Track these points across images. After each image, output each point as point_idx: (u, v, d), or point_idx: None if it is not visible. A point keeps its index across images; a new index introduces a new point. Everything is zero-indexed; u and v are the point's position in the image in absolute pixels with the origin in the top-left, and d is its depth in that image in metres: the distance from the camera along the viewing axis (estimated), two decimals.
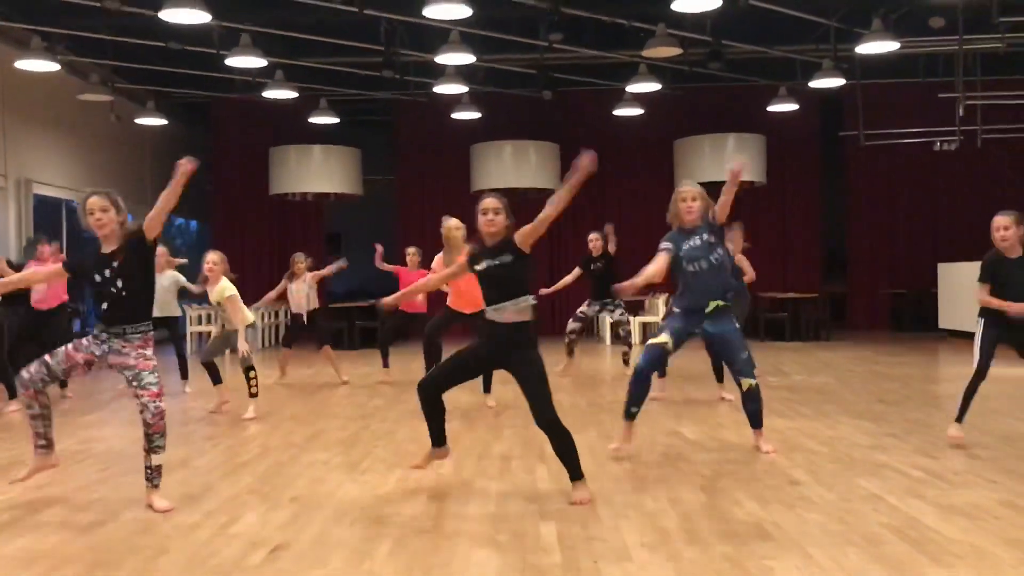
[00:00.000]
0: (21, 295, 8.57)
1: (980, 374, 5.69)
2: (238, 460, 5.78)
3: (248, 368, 7.53)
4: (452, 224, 7.67)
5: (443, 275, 5.64)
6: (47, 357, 4.71)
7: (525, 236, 4.60)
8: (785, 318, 14.57)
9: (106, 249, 4.66)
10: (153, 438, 4.56)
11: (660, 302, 14.67)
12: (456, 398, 6.95)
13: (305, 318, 9.66)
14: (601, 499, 4.58)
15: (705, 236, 5.49)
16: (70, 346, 4.72)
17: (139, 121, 14.66)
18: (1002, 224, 5.55)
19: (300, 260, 9.73)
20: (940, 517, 4.14)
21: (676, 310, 5.72)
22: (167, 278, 9.11)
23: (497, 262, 4.59)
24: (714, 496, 4.62)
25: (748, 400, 5.67)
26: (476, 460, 5.61)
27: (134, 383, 4.59)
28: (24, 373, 4.70)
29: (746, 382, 5.57)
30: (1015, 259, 5.54)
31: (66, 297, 9.01)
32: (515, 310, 4.56)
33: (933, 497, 4.51)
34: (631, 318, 12.92)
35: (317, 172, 15.77)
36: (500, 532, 4.04)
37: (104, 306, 4.62)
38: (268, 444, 6.34)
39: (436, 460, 5.09)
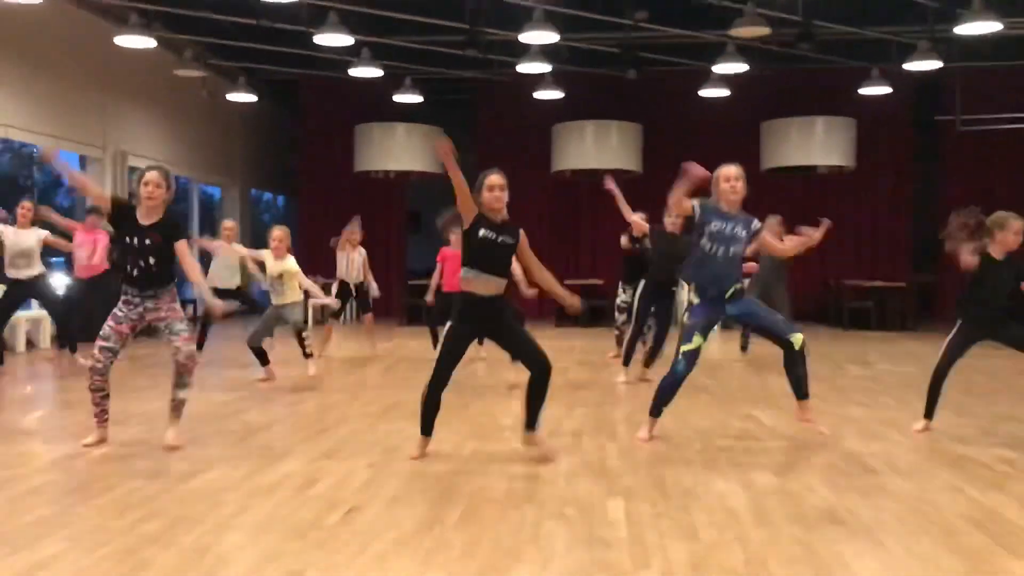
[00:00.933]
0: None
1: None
2: (318, 427, 5.94)
3: (300, 331, 8.03)
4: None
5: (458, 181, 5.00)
6: (103, 343, 5.11)
7: (523, 257, 4.93)
8: (871, 307, 14.21)
9: (144, 221, 5.10)
10: (183, 377, 5.21)
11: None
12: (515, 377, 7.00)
13: (353, 288, 10.05)
14: (671, 479, 4.58)
15: (738, 228, 5.38)
16: (111, 323, 5.14)
17: (230, 97, 15.05)
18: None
19: (355, 230, 10.19)
20: (1021, 511, 4.03)
21: (695, 301, 5.45)
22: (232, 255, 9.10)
23: (500, 239, 4.81)
24: (786, 481, 4.57)
25: (796, 363, 5.39)
26: (547, 436, 5.63)
27: (167, 331, 5.16)
28: (96, 364, 5.11)
29: (797, 337, 5.35)
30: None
31: (107, 265, 9.33)
32: (498, 284, 4.83)
33: (1016, 491, 4.38)
34: None
35: (400, 150, 15.95)
36: (568, 506, 4.08)
37: (135, 274, 5.09)
38: (347, 413, 6.50)
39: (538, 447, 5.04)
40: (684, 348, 5.38)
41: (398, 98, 14.95)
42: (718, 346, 11.79)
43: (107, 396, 5.25)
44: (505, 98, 16.56)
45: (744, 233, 5.43)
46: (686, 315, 5.51)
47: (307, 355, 8.13)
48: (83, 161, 13.25)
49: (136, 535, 3.62)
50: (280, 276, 7.91)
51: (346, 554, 3.42)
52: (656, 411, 5.57)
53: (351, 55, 13.47)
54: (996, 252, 5.66)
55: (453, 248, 9.18)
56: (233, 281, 9.37)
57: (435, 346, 9.72)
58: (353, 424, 6.06)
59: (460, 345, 4.93)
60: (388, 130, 15.86)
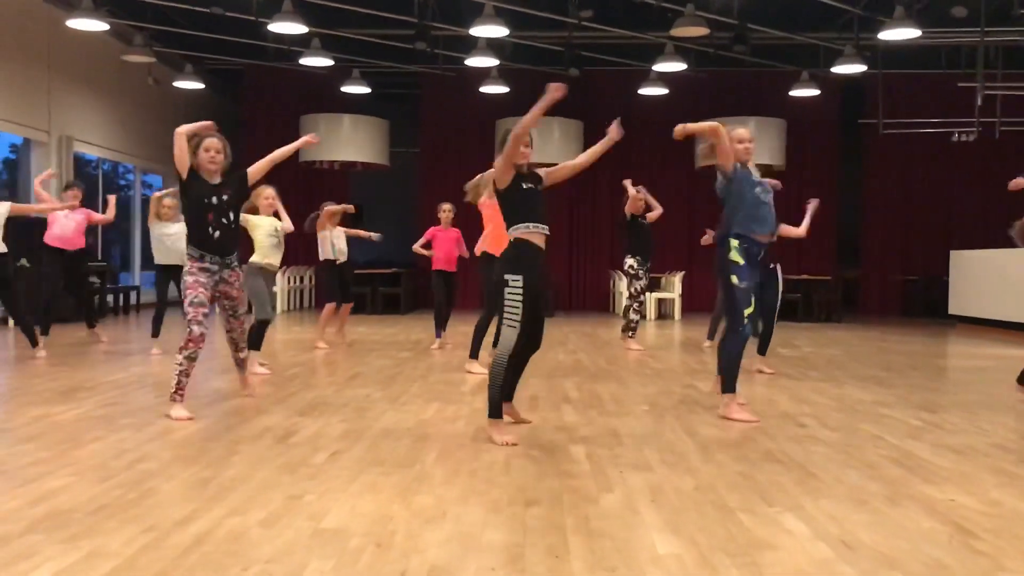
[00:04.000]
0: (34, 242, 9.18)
1: None
2: (284, 393, 6.22)
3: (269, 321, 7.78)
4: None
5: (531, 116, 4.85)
6: (204, 309, 5.22)
7: (551, 173, 4.98)
8: (798, 299, 14.92)
9: (214, 180, 5.36)
10: (241, 342, 5.84)
11: (676, 280, 15.07)
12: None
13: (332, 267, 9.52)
14: (625, 431, 5.00)
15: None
16: (201, 289, 5.23)
17: (176, 85, 15.08)
18: None
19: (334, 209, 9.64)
20: (934, 453, 4.55)
21: (741, 261, 5.43)
22: (176, 226, 8.76)
23: (538, 188, 4.86)
24: (728, 432, 5.04)
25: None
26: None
27: (230, 312, 5.59)
28: (199, 329, 5.18)
29: None
30: None
31: (84, 243, 9.30)
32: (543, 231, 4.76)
33: (929, 439, 4.91)
34: (647, 294, 13.38)
35: (346, 141, 16.18)
36: (534, 449, 4.47)
37: (217, 235, 5.27)
38: (309, 382, 6.78)
39: (514, 418, 5.08)
40: (747, 312, 5.41)
41: (346, 89, 15.18)
42: (654, 328, 12.33)
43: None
44: (451, 92, 16.90)
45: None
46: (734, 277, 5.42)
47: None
48: (28, 144, 13.19)
49: (137, 471, 3.90)
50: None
51: (339, 482, 3.75)
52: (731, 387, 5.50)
53: (301, 45, 13.68)
54: None
55: (443, 227, 9.37)
56: None
57: (437, 329, 9.55)
58: (320, 391, 6.36)
59: (536, 291, 4.72)
60: (334, 121, 16.08)
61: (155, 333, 8.81)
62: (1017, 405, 6.23)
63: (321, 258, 9.53)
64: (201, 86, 15.27)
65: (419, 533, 3.10)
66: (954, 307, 14.85)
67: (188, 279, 5.26)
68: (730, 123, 15.73)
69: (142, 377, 6.97)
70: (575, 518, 3.30)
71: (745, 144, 5.70)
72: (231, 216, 5.37)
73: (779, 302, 7.80)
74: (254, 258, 7.31)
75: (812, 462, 4.29)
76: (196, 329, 5.18)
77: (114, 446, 4.39)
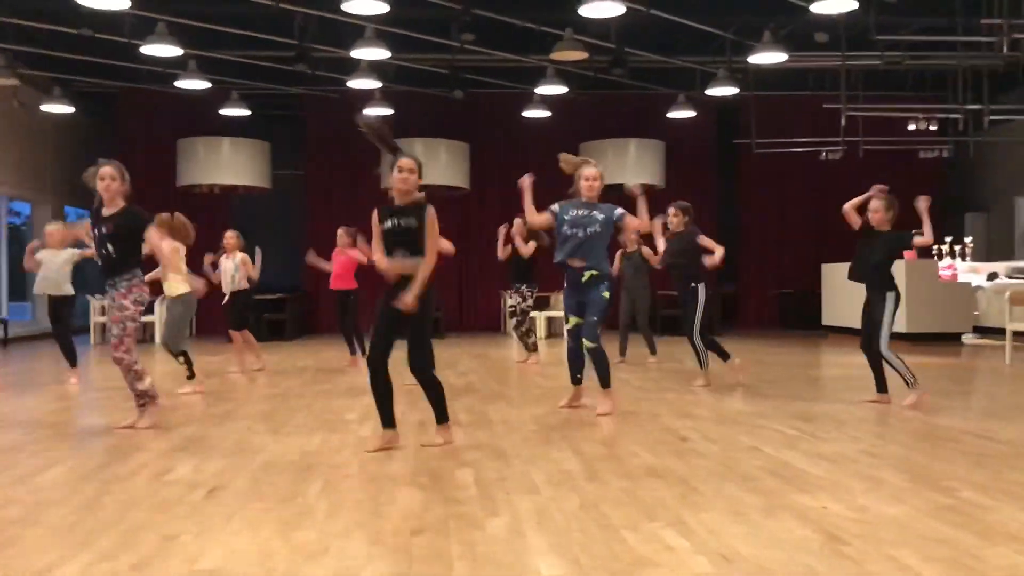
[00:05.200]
0: None
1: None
2: (162, 426, 5.99)
3: (177, 352, 7.79)
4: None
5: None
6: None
7: (433, 222, 5.03)
8: (679, 314, 15.28)
9: (106, 212, 5.72)
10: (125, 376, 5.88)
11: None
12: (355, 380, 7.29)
13: (228, 297, 9.41)
14: (512, 452, 5.02)
15: (595, 212, 6.22)
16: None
17: (44, 108, 14.45)
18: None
19: (232, 236, 9.51)
20: (808, 462, 4.72)
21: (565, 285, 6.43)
22: (63, 255, 8.52)
23: (403, 223, 5.01)
24: (612, 449, 5.11)
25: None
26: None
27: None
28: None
29: (585, 341, 6.33)
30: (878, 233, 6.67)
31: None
32: (413, 263, 5.00)
33: (803, 448, 5.10)
34: (535, 313, 13.52)
35: (226, 164, 15.80)
36: (420, 476, 4.44)
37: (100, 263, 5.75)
38: (191, 415, 6.56)
39: (388, 445, 5.10)
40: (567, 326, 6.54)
41: (224, 112, 14.85)
42: (545, 346, 12.44)
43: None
44: (334, 114, 16.70)
45: (600, 215, 6.25)
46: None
47: (189, 375, 7.83)
48: None
49: None
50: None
51: (216, 520, 3.63)
52: (573, 380, 6.61)
53: (177, 67, 13.31)
54: None
55: (341, 248, 9.58)
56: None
57: (352, 352, 9.78)
58: (200, 423, 6.15)
59: (390, 312, 5.05)
60: (213, 144, 15.70)
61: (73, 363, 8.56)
62: (883, 411, 6.53)
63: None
64: (71, 109, 14.65)
65: (300, 570, 3.02)
66: (826, 318, 15.52)
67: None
68: (610, 144, 16.10)
69: (8, 415, 6.59)
70: (461, 545, 3.29)
71: (589, 182, 6.32)
72: (109, 248, 5.72)
73: (697, 317, 8.33)
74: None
75: (693, 476, 4.39)
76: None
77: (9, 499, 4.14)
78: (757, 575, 2.98)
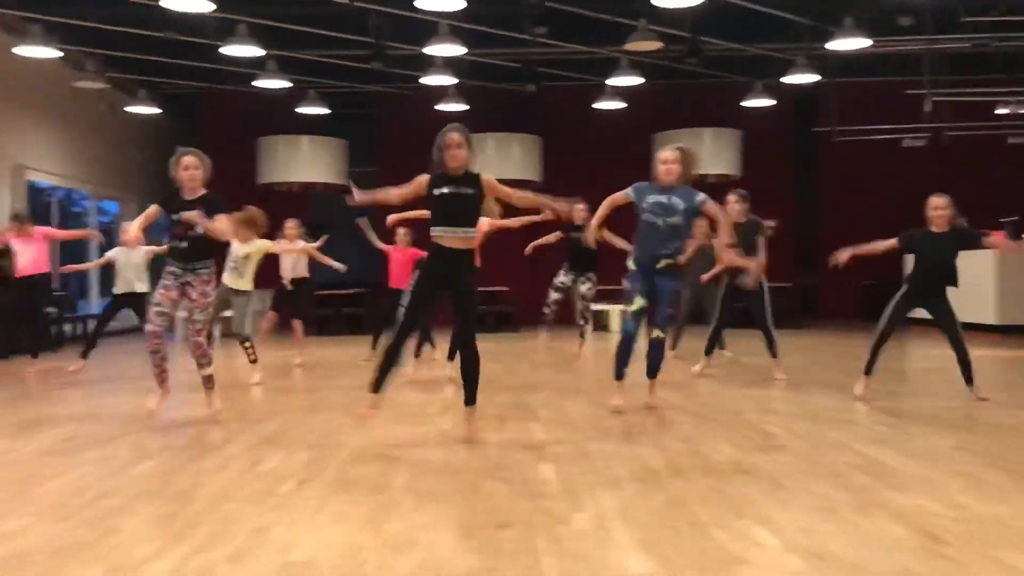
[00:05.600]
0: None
1: (883, 337, 6.67)
2: (250, 418, 6.13)
3: (243, 339, 8.11)
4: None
5: (407, 189, 5.34)
6: (156, 307, 5.89)
7: (493, 185, 5.13)
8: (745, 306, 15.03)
9: (188, 198, 5.83)
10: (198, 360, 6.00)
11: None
12: (435, 374, 7.36)
13: (289, 284, 9.66)
14: (594, 447, 5.00)
15: (675, 199, 6.01)
16: (161, 290, 5.86)
17: (129, 110, 14.90)
18: (938, 204, 6.52)
19: (292, 225, 9.73)
20: (898, 459, 4.60)
21: (632, 268, 6.23)
22: (139, 253, 9.05)
23: (459, 191, 5.07)
24: (696, 445, 5.05)
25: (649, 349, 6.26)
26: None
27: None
28: (154, 327, 5.87)
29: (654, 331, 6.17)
30: (938, 234, 6.54)
31: (47, 268, 9.30)
32: (465, 236, 5.09)
33: (894, 444, 4.97)
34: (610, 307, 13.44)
35: (304, 162, 16.11)
36: (503, 470, 4.45)
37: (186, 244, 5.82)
38: (275, 408, 6.70)
39: (376, 408, 5.31)
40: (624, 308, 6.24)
41: (302, 110, 15.11)
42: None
43: (165, 358, 6.06)
44: (408, 111, 16.85)
45: (682, 203, 6.02)
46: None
47: (253, 361, 8.19)
48: None
49: (99, 507, 3.81)
50: (246, 257, 8.13)
51: (306, 513, 3.70)
52: (617, 375, 6.18)
53: (257, 67, 13.58)
54: None
55: (401, 248, 9.66)
56: None
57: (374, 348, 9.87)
58: (285, 416, 6.28)
59: (427, 284, 5.17)
60: (292, 142, 16.00)
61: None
62: (977, 407, 6.32)
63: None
64: (156, 111, 15.09)
65: (390, 563, 3.06)
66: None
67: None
68: (685, 134, 15.94)
69: (103, 409, 6.83)
70: (547, 540, 3.29)
71: (666, 165, 6.04)
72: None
73: (768, 306, 8.17)
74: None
75: (781, 472, 4.31)
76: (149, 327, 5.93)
77: (74, 483, 4.30)
78: (851, 574, 2.91)
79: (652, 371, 6.28)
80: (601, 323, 10.97)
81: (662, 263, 6.07)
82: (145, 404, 6.11)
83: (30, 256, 9.02)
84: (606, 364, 9.49)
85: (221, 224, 5.82)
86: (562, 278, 10.13)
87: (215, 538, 3.35)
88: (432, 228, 5.16)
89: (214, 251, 6.02)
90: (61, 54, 11.38)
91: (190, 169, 5.80)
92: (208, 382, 6.08)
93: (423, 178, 5.21)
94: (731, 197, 8.13)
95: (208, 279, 5.92)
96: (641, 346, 6.32)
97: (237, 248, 8.08)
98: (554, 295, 10.17)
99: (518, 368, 9.12)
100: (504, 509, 3.72)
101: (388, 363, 5.20)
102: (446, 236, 5.10)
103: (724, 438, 5.23)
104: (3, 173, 12.90)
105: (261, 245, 8.22)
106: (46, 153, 14.12)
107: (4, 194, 12.84)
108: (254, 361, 8.17)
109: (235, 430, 5.70)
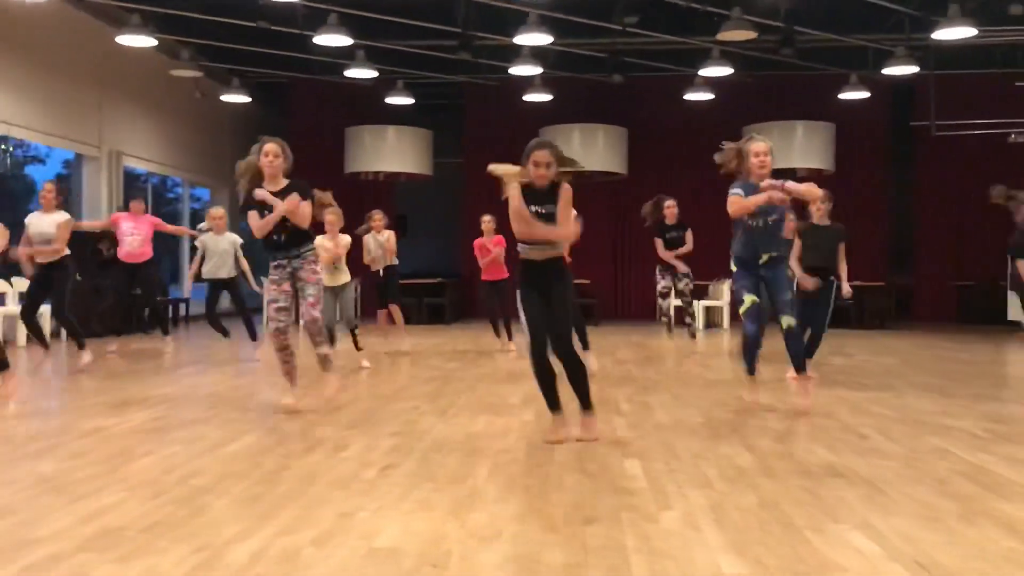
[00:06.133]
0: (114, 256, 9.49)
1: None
2: (333, 405, 6.18)
3: (354, 327, 8.52)
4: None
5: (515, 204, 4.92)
6: (275, 304, 5.81)
7: (567, 201, 4.88)
8: (850, 305, 14.60)
9: (272, 188, 5.76)
10: (313, 337, 5.93)
11: (725, 287, 14.83)
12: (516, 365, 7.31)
13: (382, 272, 9.61)
14: (680, 444, 4.87)
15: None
16: (273, 285, 5.84)
17: (222, 98, 15.24)
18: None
19: (379, 216, 9.72)
20: (1006, 466, 4.35)
21: (734, 269, 5.98)
22: (226, 240, 9.27)
23: (544, 209, 4.87)
24: (787, 445, 4.88)
25: (786, 340, 5.93)
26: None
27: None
28: (278, 324, 5.83)
29: (785, 319, 5.81)
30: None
31: (151, 253, 9.51)
32: (553, 250, 4.94)
33: (999, 451, 4.71)
34: (695, 302, 13.19)
35: (390, 152, 16.23)
36: (587, 463, 4.36)
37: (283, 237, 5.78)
38: (358, 394, 6.74)
39: (563, 431, 4.97)
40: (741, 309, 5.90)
41: (390, 100, 15.23)
42: (703, 337, 12.15)
43: (293, 354, 5.96)
44: (494, 102, 16.85)
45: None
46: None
47: (359, 348, 8.63)
48: (79, 160, 13.40)
49: (188, 486, 3.86)
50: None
51: (391, 499, 3.68)
52: (749, 369, 6.05)
53: (345, 57, 13.73)
54: None
55: (486, 237, 9.78)
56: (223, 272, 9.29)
57: (497, 335, 10.14)
58: (368, 403, 6.31)
59: (536, 297, 4.95)
60: (378, 132, 16.14)
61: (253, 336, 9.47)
62: None
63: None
64: (247, 99, 15.41)
65: (475, 554, 3.01)
66: (1014, 313, 14.44)
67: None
68: (776, 127, 15.48)
69: (192, 390, 6.98)
70: (635, 537, 3.19)
71: (760, 159, 5.70)
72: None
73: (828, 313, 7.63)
74: None
75: (878, 477, 4.12)
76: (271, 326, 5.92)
77: (165, 461, 4.37)
78: None
79: (798, 363, 5.95)
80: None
81: (764, 258, 5.83)
82: (282, 402, 5.95)
83: (139, 242, 9.27)
84: (691, 361, 9.35)
85: (306, 207, 5.78)
86: (664, 282, 10.02)
87: (300, 521, 3.35)
88: (519, 244, 5.00)
89: (312, 235, 6.00)
90: (156, 42, 11.68)
91: (270, 156, 5.74)
92: (324, 361, 6.03)
93: (517, 190, 4.97)
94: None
95: (315, 259, 5.92)
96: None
97: (325, 249, 8.05)
98: (663, 303, 10.14)
99: (602, 362, 8.99)
100: (590, 504, 3.63)
101: (545, 381, 4.96)
102: (533, 251, 4.96)
103: (816, 439, 5.04)
104: (101, 158, 13.32)
105: (345, 241, 8.36)
106: (142, 140, 14.54)
107: (102, 179, 13.27)
108: (361, 349, 8.56)
109: (322, 415, 5.75)
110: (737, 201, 5.71)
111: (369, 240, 9.63)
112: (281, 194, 5.76)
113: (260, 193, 5.73)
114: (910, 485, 3.98)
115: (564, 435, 4.91)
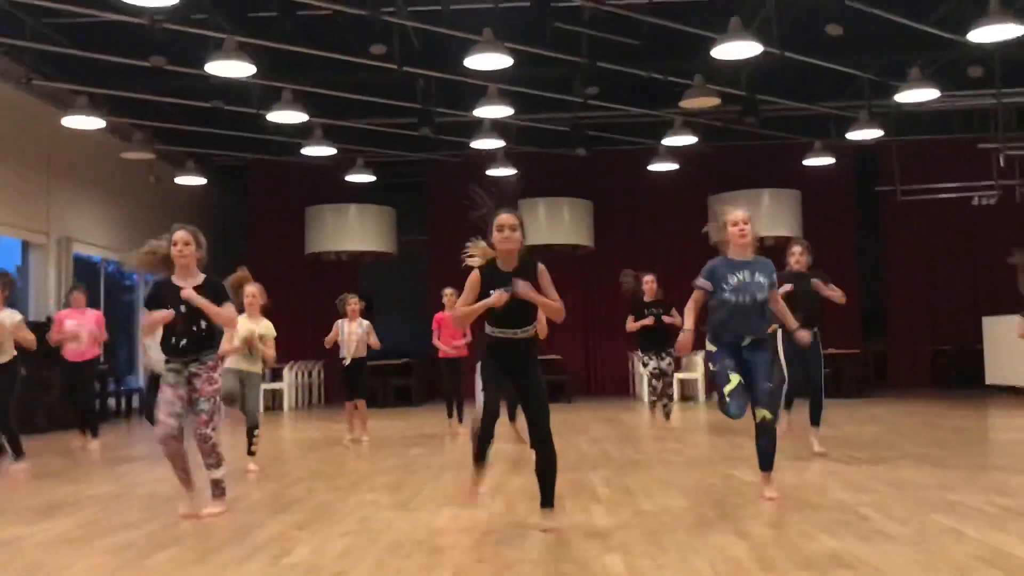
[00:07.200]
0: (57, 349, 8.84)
1: None
2: (284, 500, 5.64)
3: (254, 427, 7.12)
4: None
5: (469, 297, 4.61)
6: (168, 407, 5.07)
7: (546, 285, 4.52)
8: (828, 375, 14.25)
9: (183, 283, 5.10)
10: (205, 457, 5.20)
11: (698, 359, 14.46)
12: (500, 449, 6.83)
13: (348, 361, 9.05)
14: (666, 534, 4.39)
15: (758, 274, 5.30)
16: (168, 388, 5.11)
17: (178, 181, 14.85)
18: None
19: (353, 301, 9.18)
20: None
21: (712, 349, 5.33)
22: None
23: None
24: (783, 531, 4.42)
25: (758, 435, 5.29)
26: (528, 501, 5.41)
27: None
28: (161, 429, 5.07)
29: (759, 412, 5.22)
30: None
31: (99, 352, 9.05)
32: (524, 333, 4.55)
33: (1016, 530, 4.28)
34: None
35: (352, 231, 15.87)
36: (564, 563, 3.87)
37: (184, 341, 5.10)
38: (313, 487, 6.20)
39: (479, 483, 4.72)
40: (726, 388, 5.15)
41: (350, 178, 14.93)
42: (679, 411, 11.69)
43: (185, 458, 5.22)
44: (457, 177, 16.55)
45: (761, 277, 5.27)
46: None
47: (251, 452, 7.10)
48: (26, 247, 12.87)
49: None
50: (250, 340, 7.05)
51: None
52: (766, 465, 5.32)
53: (302, 136, 13.45)
54: None
55: (448, 311, 9.33)
56: None
57: (449, 415, 9.70)
58: (322, 496, 5.77)
59: (499, 375, 4.63)
60: (340, 211, 15.81)
61: None
62: None
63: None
64: (203, 182, 15.04)
65: None
66: (991, 376, 14.21)
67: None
68: (742, 195, 15.32)
69: (131, 489, 6.38)
70: None
71: (739, 227, 5.23)
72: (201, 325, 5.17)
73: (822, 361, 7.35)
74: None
75: (890, 566, 3.67)
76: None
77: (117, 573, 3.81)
78: None
79: (764, 462, 5.29)
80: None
81: (748, 339, 5.25)
82: (179, 512, 5.16)
83: (84, 339, 8.77)
84: (673, 437, 8.88)
85: (229, 311, 5.23)
86: (654, 363, 9.34)
87: None
88: (487, 326, 4.57)
89: (217, 343, 5.36)
90: (104, 124, 11.31)
91: (179, 245, 5.07)
92: (216, 488, 5.24)
93: (474, 277, 4.60)
94: (796, 248, 7.46)
95: (215, 364, 5.23)
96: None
97: (245, 327, 7.00)
98: (657, 384, 9.43)
99: (575, 441, 8.51)
100: None
101: (484, 442, 4.55)
102: (502, 336, 4.54)
103: (813, 522, 4.58)
104: (49, 245, 12.81)
105: (269, 329, 7.23)
106: (93, 225, 14.06)
107: (51, 266, 12.73)
108: (253, 453, 7.10)
109: (266, 514, 5.20)
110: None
111: (342, 326, 9.11)
112: (203, 292, 5.12)
113: (186, 293, 5.06)
114: (926, 574, 3.53)
115: (479, 492, 4.80)
